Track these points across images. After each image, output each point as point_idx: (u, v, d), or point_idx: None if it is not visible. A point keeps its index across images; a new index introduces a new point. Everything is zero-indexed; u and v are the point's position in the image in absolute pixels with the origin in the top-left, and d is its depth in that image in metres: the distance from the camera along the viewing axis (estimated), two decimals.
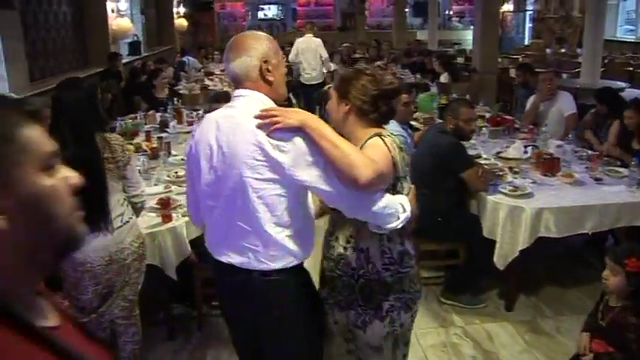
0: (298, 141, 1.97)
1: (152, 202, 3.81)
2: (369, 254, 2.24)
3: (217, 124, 2.13)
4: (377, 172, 1.93)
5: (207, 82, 10.13)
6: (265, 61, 2.12)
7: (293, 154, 1.97)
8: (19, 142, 0.90)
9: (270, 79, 2.14)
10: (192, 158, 2.22)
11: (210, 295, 4.14)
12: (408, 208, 2.10)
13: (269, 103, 2.13)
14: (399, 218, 2.07)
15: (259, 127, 1.99)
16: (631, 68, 11.90)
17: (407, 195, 2.19)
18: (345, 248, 2.28)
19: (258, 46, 2.13)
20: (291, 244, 2.11)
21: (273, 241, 2.09)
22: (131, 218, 3.07)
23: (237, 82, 2.18)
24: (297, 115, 1.98)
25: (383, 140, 2.16)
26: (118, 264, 3.00)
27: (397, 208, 2.07)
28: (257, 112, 2.02)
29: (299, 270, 2.22)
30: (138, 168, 3.11)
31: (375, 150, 2.11)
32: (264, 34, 2.25)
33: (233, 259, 2.16)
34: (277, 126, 1.96)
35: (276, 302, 2.18)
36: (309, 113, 2.05)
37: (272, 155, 1.98)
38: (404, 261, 2.27)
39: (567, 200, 3.94)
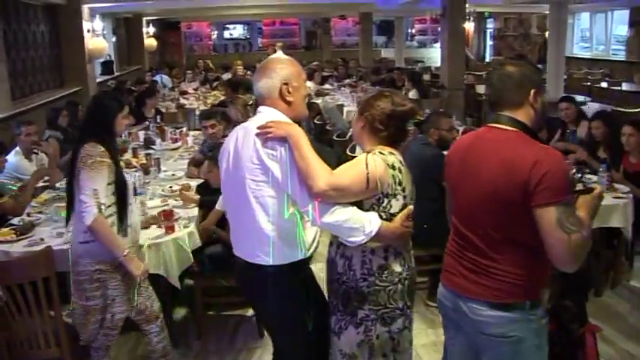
0: (283, 152, 2.27)
1: (153, 214, 3.98)
2: (351, 262, 2.35)
3: (237, 133, 2.47)
4: (331, 186, 2.16)
5: (182, 100, 10.27)
6: (285, 84, 2.41)
7: (280, 163, 2.28)
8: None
9: (290, 99, 2.43)
10: (220, 162, 2.56)
11: (210, 304, 4.31)
12: (375, 225, 2.24)
13: (282, 119, 2.40)
14: (364, 234, 2.24)
15: (257, 135, 2.32)
16: (589, 83, 12.48)
17: (395, 213, 2.32)
18: (335, 254, 2.44)
19: (280, 70, 2.42)
20: (282, 243, 2.37)
21: (267, 239, 2.35)
22: (90, 242, 2.98)
23: (261, 100, 2.48)
24: (285, 127, 2.29)
25: (366, 158, 2.27)
26: (74, 272, 3.07)
27: (363, 223, 2.23)
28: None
29: (295, 269, 2.43)
30: (95, 189, 2.91)
31: (348, 167, 2.29)
32: (290, 59, 2.51)
33: (240, 252, 2.49)
34: (268, 135, 2.29)
35: (272, 297, 2.46)
36: (297, 127, 2.31)
37: (265, 161, 2.30)
38: (383, 275, 2.33)
39: None
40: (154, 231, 3.78)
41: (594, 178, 4.62)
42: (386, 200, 2.31)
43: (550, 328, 2.87)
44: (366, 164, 2.25)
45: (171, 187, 4.73)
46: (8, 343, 3.20)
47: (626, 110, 8.60)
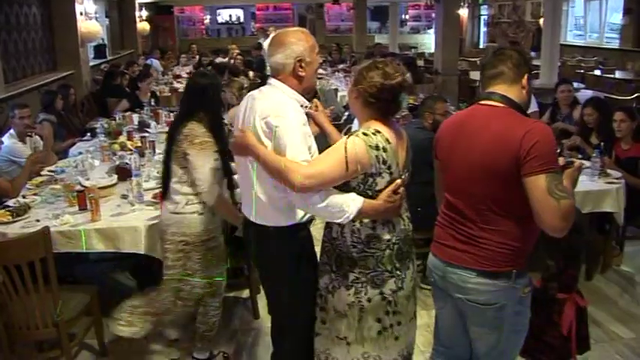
0: (276, 133, 2.35)
1: (148, 197, 3.99)
2: (343, 230, 2.43)
3: (247, 100, 2.58)
4: (309, 177, 2.22)
5: (175, 84, 10.24)
6: (299, 60, 2.48)
7: (272, 141, 2.37)
8: None
9: (302, 74, 2.50)
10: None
11: None
12: (355, 207, 2.29)
13: (290, 93, 2.51)
14: (345, 213, 2.30)
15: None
16: (582, 71, 12.52)
17: (381, 189, 2.35)
18: None
19: (294, 47, 2.48)
20: (274, 208, 2.49)
21: (262, 203, 2.51)
22: (180, 213, 3.18)
23: (274, 73, 2.54)
24: (246, 145, 2.40)
25: (346, 142, 2.29)
26: (163, 243, 3.27)
27: (342, 207, 2.29)
28: (273, 100, 2.46)
29: (291, 232, 2.55)
30: (210, 167, 3.10)
31: (327, 153, 2.34)
32: (304, 32, 2.54)
33: (245, 210, 2.66)
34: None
35: (265, 252, 2.61)
36: (253, 147, 2.38)
37: (260, 137, 2.40)
38: (371, 243, 2.40)
39: None
40: (150, 212, 3.79)
41: (587, 163, 4.66)
42: (371, 179, 2.35)
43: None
44: (345, 148, 2.27)
45: None
46: (6, 323, 3.23)
47: (620, 97, 8.65)
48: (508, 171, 2.17)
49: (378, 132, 2.34)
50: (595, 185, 4.36)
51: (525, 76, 2.34)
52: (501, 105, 2.30)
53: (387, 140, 2.34)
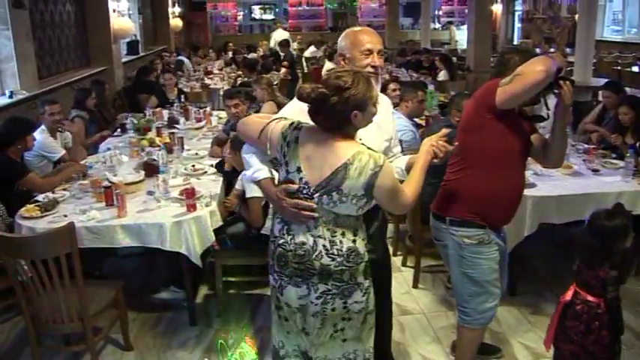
0: None
1: (175, 193, 4.01)
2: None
3: None
4: (240, 122, 2.62)
5: (207, 80, 10.30)
6: (341, 55, 2.73)
7: None
8: None
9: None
10: None
11: (231, 283, 4.35)
12: (258, 174, 2.49)
13: None
14: (250, 173, 2.53)
15: None
16: (619, 67, 12.22)
17: (280, 181, 2.44)
18: None
19: (340, 42, 2.75)
20: None
21: None
22: None
23: None
24: None
25: (275, 118, 2.45)
26: None
27: (252, 169, 2.50)
28: None
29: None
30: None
31: (264, 117, 2.54)
32: (357, 31, 2.73)
33: None
34: None
35: None
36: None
37: None
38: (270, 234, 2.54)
39: (567, 189, 4.17)
40: (176, 209, 3.82)
41: (621, 163, 4.54)
42: (276, 165, 2.45)
43: None
44: (270, 121, 2.42)
45: (193, 165, 4.76)
46: (33, 317, 3.28)
47: None
48: (470, 119, 2.91)
49: (301, 127, 2.35)
50: (629, 186, 4.22)
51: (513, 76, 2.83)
52: None
53: (297, 139, 2.32)
